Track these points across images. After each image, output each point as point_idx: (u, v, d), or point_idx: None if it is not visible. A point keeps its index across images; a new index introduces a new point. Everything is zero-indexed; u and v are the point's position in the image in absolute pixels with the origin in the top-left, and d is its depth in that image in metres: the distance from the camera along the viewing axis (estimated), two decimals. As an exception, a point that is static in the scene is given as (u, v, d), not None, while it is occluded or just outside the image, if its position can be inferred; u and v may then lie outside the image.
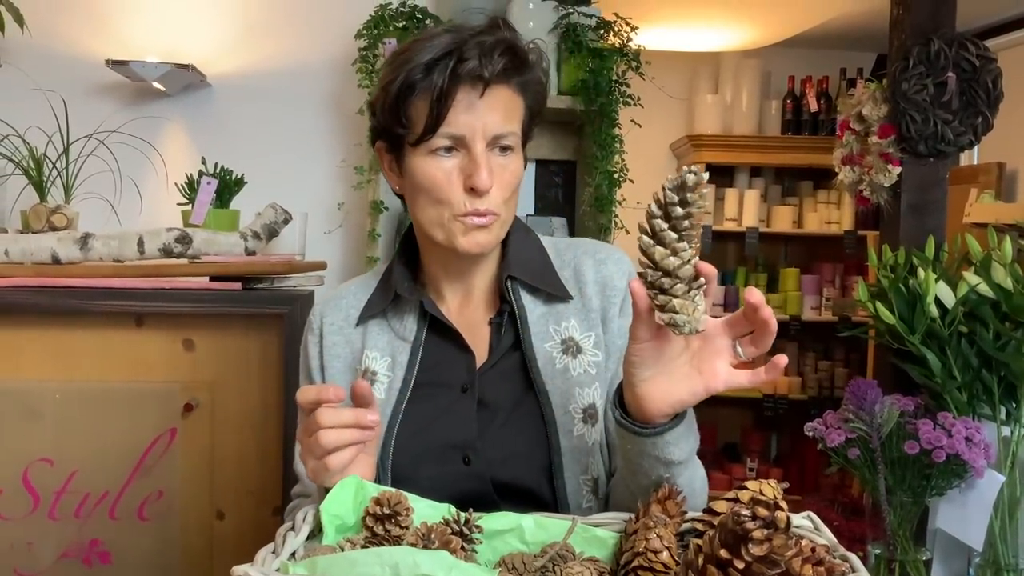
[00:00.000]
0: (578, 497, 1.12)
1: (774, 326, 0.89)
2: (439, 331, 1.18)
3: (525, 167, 1.18)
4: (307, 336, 1.25)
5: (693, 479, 1.03)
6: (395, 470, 1.12)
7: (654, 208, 0.84)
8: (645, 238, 0.85)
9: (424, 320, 1.18)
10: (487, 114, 1.07)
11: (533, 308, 1.17)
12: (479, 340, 1.17)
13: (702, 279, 0.86)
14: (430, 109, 1.05)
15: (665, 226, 0.84)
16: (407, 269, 1.21)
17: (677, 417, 0.96)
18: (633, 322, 0.91)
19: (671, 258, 0.84)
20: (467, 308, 1.20)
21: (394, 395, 1.15)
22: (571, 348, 1.16)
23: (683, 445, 0.98)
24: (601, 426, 1.14)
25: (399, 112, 1.08)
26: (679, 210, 0.83)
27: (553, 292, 1.18)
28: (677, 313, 0.85)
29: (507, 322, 1.17)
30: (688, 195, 0.83)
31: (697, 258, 0.86)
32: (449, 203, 1.08)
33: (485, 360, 1.16)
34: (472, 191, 1.07)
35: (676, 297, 0.85)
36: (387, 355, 1.18)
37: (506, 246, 1.20)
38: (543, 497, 1.12)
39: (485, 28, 1.09)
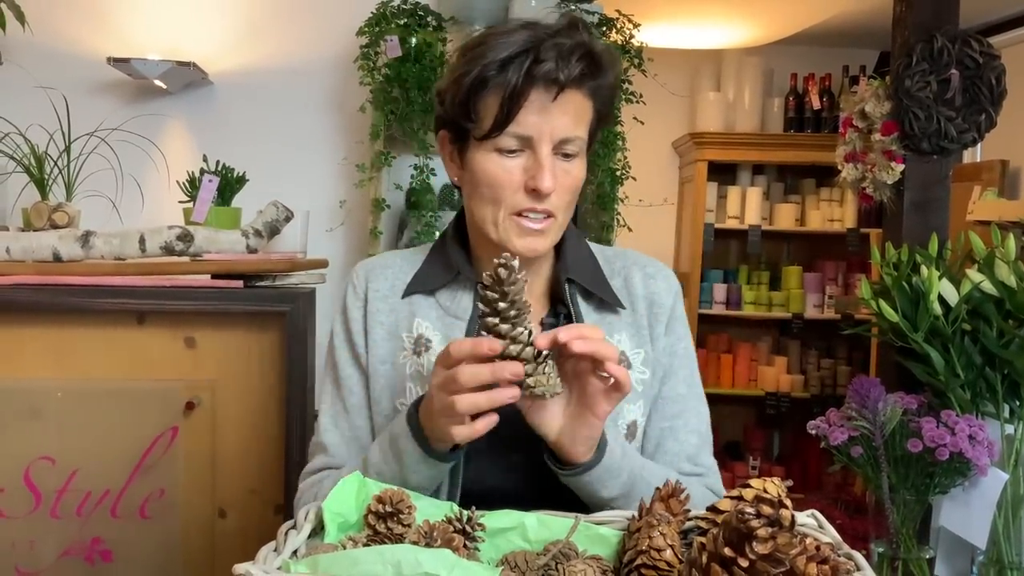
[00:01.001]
0: None
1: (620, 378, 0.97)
2: None
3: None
4: (347, 298, 1.22)
5: None
6: None
7: (484, 308, 0.92)
8: (486, 335, 0.93)
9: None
10: (557, 117, 1.05)
11: (588, 314, 1.17)
12: None
13: (545, 353, 0.94)
14: (500, 106, 1.04)
15: (497, 320, 0.91)
16: (461, 249, 1.19)
17: (597, 456, 1.02)
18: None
19: (512, 346, 0.92)
20: None
21: None
22: (623, 362, 1.15)
23: (609, 484, 1.03)
24: (639, 444, 1.16)
25: (469, 106, 1.07)
26: (502, 304, 0.91)
27: (608, 299, 1.17)
28: (534, 387, 0.94)
29: (563, 323, 1.16)
30: (506, 288, 0.90)
31: (534, 334, 0.93)
32: (507, 202, 1.07)
33: None
34: (533, 192, 1.06)
35: (529, 376, 0.93)
36: (438, 330, 1.16)
37: (561, 247, 1.19)
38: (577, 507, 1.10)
39: (563, 28, 1.07)
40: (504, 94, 1.03)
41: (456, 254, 1.18)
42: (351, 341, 1.20)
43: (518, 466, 1.10)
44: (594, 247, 1.25)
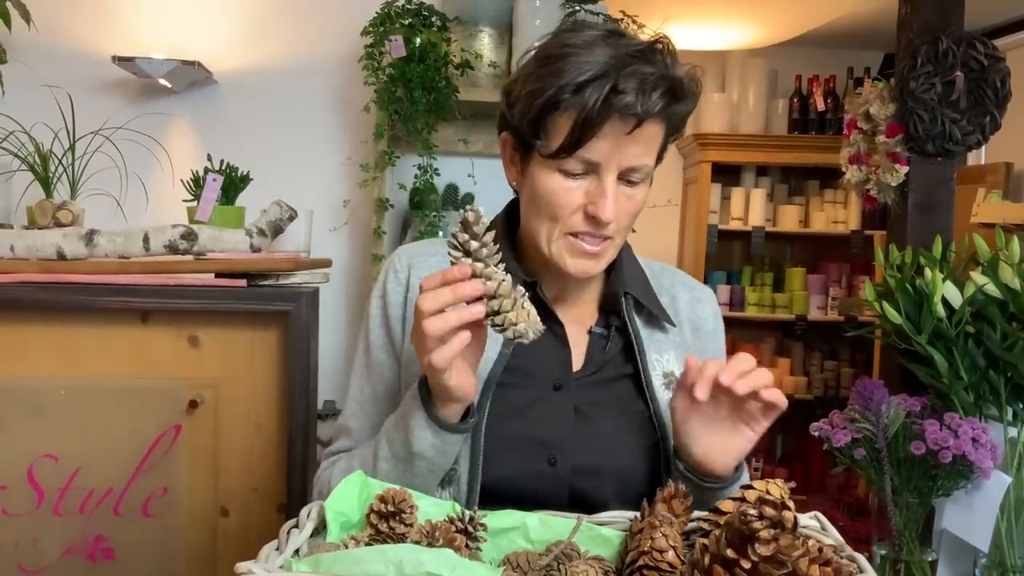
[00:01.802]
0: None
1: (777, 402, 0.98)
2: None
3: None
4: (388, 282, 1.19)
5: None
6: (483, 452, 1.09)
7: (455, 252, 0.93)
8: (457, 252, 0.94)
9: None
10: (629, 146, 1.02)
11: (640, 328, 1.16)
12: (574, 343, 1.15)
13: (521, 288, 0.95)
14: (572, 131, 1.00)
15: (469, 260, 0.93)
16: (508, 248, 1.16)
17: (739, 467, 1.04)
18: (674, 396, 1.00)
19: (488, 283, 0.93)
20: (562, 307, 1.17)
21: (486, 369, 1.09)
22: (671, 383, 1.15)
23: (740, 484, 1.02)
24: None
25: (539, 124, 1.03)
26: (474, 243, 0.92)
27: (660, 316, 1.17)
28: (516, 324, 0.93)
29: (614, 336, 1.15)
30: (475, 228, 0.92)
31: (500, 267, 0.94)
32: (564, 222, 1.05)
33: (582, 366, 1.14)
34: (592, 218, 1.04)
35: (509, 311, 0.93)
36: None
37: (616, 259, 1.16)
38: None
39: (646, 51, 1.02)
40: (578, 119, 0.99)
41: (505, 250, 1.14)
42: (388, 327, 1.18)
43: (551, 472, 1.09)
44: (640, 260, 1.24)
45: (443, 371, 0.94)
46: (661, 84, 1.00)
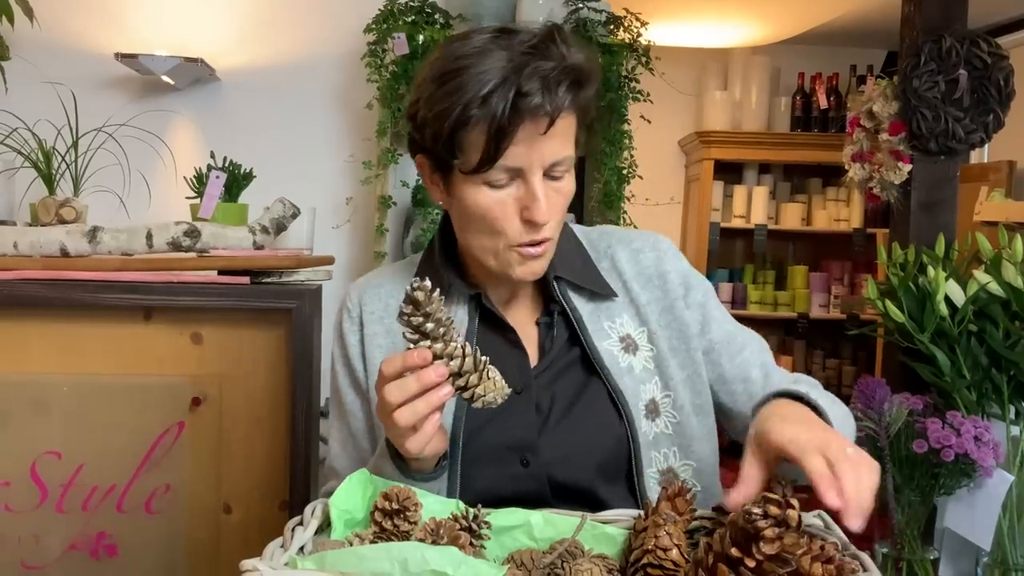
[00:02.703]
0: (651, 492, 1.10)
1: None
2: (490, 327, 1.15)
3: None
4: (343, 323, 1.20)
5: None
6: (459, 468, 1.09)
7: (410, 334, 0.91)
8: (412, 334, 0.92)
9: (475, 313, 1.15)
10: (546, 144, 1.01)
11: (582, 306, 1.15)
12: (527, 341, 1.15)
13: (484, 357, 0.94)
14: (487, 143, 0.98)
15: (428, 343, 0.91)
16: (449, 262, 1.16)
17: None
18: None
19: (452, 362, 0.91)
20: (511, 308, 1.17)
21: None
22: (630, 346, 1.14)
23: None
24: (663, 420, 1.13)
25: (452, 144, 1.01)
26: (429, 325, 0.90)
27: (599, 291, 1.16)
28: (484, 395, 0.93)
29: (558, 321, 1.15)
30: (428, 309, 0.90)
31: (457, 339, 0.93)
32: (505, 234, 1.04)
33: (538, 361, 1.14)
34: (529, 222, 1.03)
35: (476, 385, 0.93)
36: None
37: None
38: (599, 496, 1.09)
39: (541, 43, 0.99)
40: (490, 131, 0.97)
41: (446, 268, 1.15)
42: (350, 366, 1.19)
43: (523, 472, 1.09)
44: (578, 230, 1.23)
45: (424, 448, 0.95)
46: (564, 77, 0.99)
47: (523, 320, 1.17)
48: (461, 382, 0.92)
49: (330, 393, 1.23)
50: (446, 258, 1.16)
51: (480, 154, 0.99)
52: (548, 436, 1.10)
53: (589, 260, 1.19)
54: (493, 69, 0.97)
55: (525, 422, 1.10)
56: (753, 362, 1.20)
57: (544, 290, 1.17)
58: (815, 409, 0.98)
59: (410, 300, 0.89)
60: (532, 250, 1.05)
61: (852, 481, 0.82)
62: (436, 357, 0.91)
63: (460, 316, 1.15)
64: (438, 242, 1.18)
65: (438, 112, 1.00)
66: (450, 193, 1.07)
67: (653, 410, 1.13)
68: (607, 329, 1.15)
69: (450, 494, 1.07)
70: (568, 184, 1.07)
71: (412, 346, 0.91)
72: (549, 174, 1.03)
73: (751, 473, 0.89)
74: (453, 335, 0.92)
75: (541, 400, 1.12)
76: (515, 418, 1.10)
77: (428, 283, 0.90)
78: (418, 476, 1.02)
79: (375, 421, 1.15)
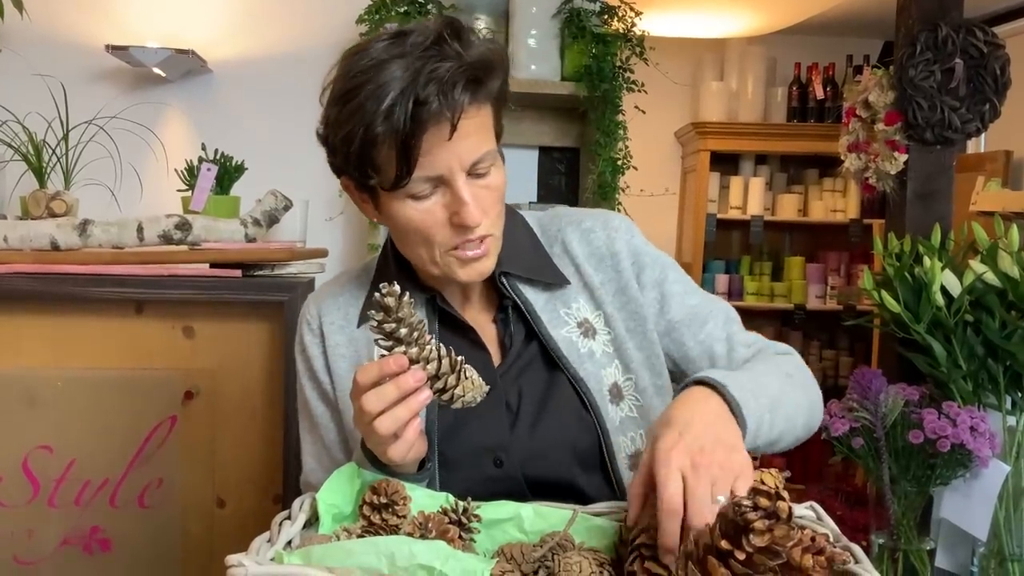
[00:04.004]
0: (625, 478, 1.09)
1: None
2: (450, 328, 1.13)
3: (504, 161, 1.10)
4: (304, 336, 1.18)
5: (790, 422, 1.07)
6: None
7: (384, 341, 0.89)
8: (386, 342, 0.90)
9: (434, 316, 1.14)
10: (460, 145, 0.98)
11: (536, 297, 1.13)
12: (488, 339, 1.14)
13: (460, 357, 0.93)
14: (398, 159, 0.96)
15: (403, 348, 0.89)
16: (402, 267, 1.14)
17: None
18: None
19: (429, 365, 0.90)
20: (468, 308, 1.16)
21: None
22: (588, 330, 1.13)
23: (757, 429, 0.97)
24: (627, 404, 1.12)
25: (365, 164, 0.99)
26: (403, 330, 0.89)
27: (548, 280, 1.14)
28: (464, 396, 0.92)
29: (513, 316, 1.14)
30: (400, 315, 0.88)
31: (430, 342, 0.91)
32: (439, 241, 1.02)
33: (501, 360, 1.13)
34: (461, 227, 1.01)
35: (455, 386, 0.92)
36: None
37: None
38: (578, 487, 1.08)
39: (434, 46, 0.96)
40: (397, 146, 0.95)
41: (399, 275, 1.13)
42: (316, 379, 1.17)
43: (498, 473, 1.08)
44: (529, 217, 1.21)
45: (406, 455, 0.94)
46: (459, 76, 0.95)
47: (481, 319, 1.16)
48: (439, 384, 0.91)
49: (299, 408, 1.21)
50: (398, 264, 1.14)
51: (394, 170, 0.97)
52: (520, 434, 1.09)
53: (540, 247, 1.17)
54: (391, 81, 0.94)
55: (496, 422, 1.09)
56: (717, 336, 1.17)
57: (497, 287, 1.14)
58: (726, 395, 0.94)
59: (381, 307, 0.87)
60: (471, 252, 1.03)
61: (670, 495, 0.80)
62: (412, 362, 0.89)
63: (420, 317, 1.13)
64: (390, 249, 1.16)
65: (344, 135, 0.98)
66: (380, 211, 1.06)
67: (616, 394, 1.12)
68: (564, 316, 1.13)
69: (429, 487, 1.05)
70: (496, 177, 1.04)
71: (386, 353, 0.90)
72: (473, 173, 1.01)
73: (635, 492, 0.86)
74: (426, 337, 0.91)
75: (510, 398, 1.11)
76: (486, 419, 1.09)
77: (397, 288, 0.88)
78: (400, 478, 0.99)
79: (347, 432, 1.15)
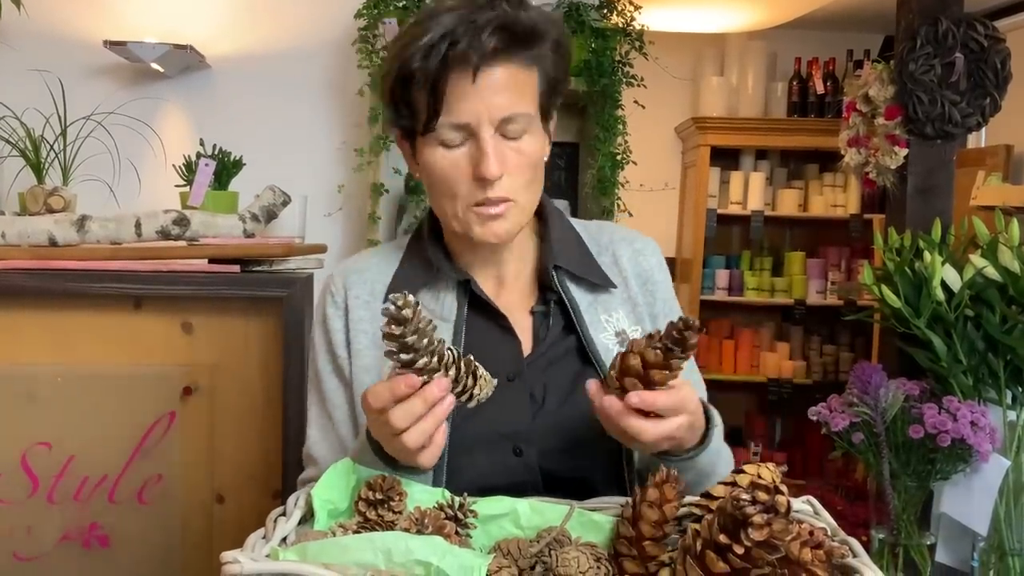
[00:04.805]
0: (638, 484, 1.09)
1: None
2: (480, 313, 1.13)
3: (550, 139, 1.13)
4: (327, 308, 1.17)
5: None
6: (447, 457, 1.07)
7: (395, 349, 0.87)
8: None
9: (464, 299, 1.13)
10: (491, 97, 1.01)
11: (581, 297, 1.14)
12: (520, 329, 1.13)
13: (469, 356, 0.92)
14: (428, 98, 1.01)
15: (413, 356, 0.87)
16: (440, 246, 1.16)
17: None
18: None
19: (450, 372, 0.89)
20: (501, 295, 1.16)
21: None
22: (624, 341, 1.11)
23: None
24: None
25: (399, 102, 1.04)
26: (413, 338, 0.86)
27: (598, 281, 1.15)
28: (480, 393, 0.92)
29: (555, 310, 1.14)
30: (411, 324, 0.86)
31: (443, 346, 0.90)
32: (462, 195, 1.04)
33: (531, 350, 1.13)
34: (481, 180, 1.02)
35: (472, 387, 0.92)
36: None
37: (545, 232, 1.16)
38: (595, 487, 1.07)
39: (486, 5, 1.02)
40: (427, 84, 1.00)
41: (435, 252, 1.14)
42: (333, 353, 1.16)
43: (516, 462, 1.08)
44: (576, 224, 1.22)
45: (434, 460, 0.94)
46: (490, 25, 0.99)
47: (515, 308, 1.15)
48: (458, 388, 0.90)
49: (309, 378, 1.21)
50: (435, 242, 1.16)
51: (425, 112, 1.01)
52: (543, 425, 1.08)
53: (588, 252, 1.18)
54: (436, 27, 0.99)
55: (519, 410, 1.09)
56: None
57: (539, 279, 1.15)
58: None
59: (397, 320, 0.85)
60: (489, 209, 1.04)
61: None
62: (432, 371, 0.88)
63: (449, 302, 1.13)
64: (427, 225, 1.17)
65: (386, 73, 1.05)
66: (417, 160, 1.09)
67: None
68: (603, 322, 1.13)
69: (436, 484, 1.04)
70: (529, 145, 1.06)
71: (399, 365, 0.88)
72: (503, 132, 1.03)
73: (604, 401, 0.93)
74: (436, 340, 0.89)
75: (534, 389, 1.10)
76: (508, 406, 1.08)
77: (411, 297, 0.86)
78: (404, 470, 0.98)
79: (357, 410, 1.13)
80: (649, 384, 0.88)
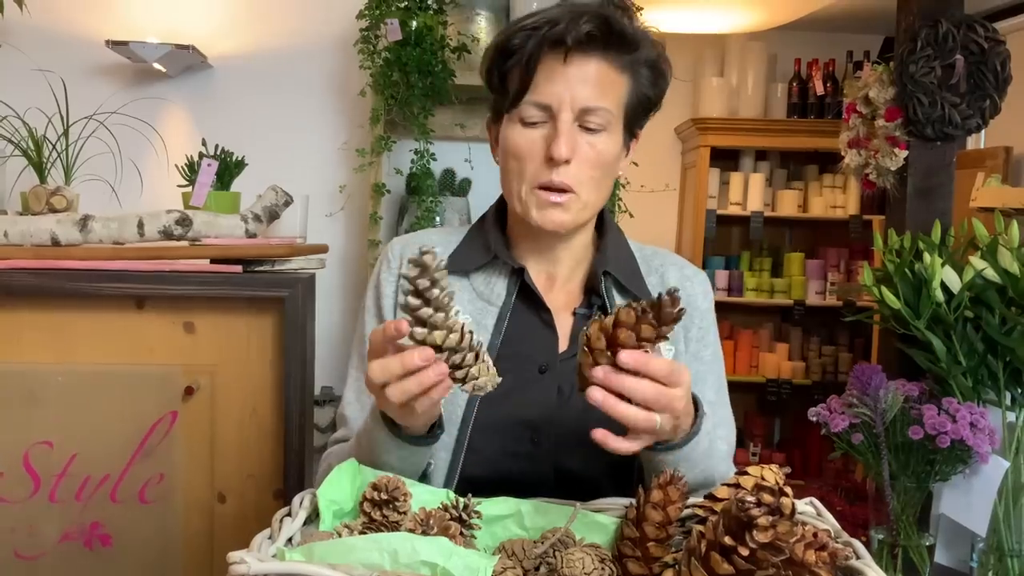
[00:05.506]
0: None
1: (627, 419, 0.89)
2: (526, 304, 1.16)
3: (628, 154, 1.17)
4: (381, 274, 1.21)
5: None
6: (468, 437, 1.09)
7: (412, 298, 0.84)
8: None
9: (515, 288, 1.16)
10: (576, 85, 1.05)
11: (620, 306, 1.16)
12: (560, 326, 1.16)
13: (480, 341, 0.90)
14: (520, 73, 1.06)
15: (431, 311, 0.84)
16: (501, 233, 1.19)
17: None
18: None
19: (452, 335, 0.86)
20: (550, 292, 1.18)
21: None
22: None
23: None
24: None
25: (495, 76, 1.11)
26: (435, 291, 0.84)
27: (642, 296, 1.16)
28: (477, 379, 0.89)
29: (597, 316, 1.15)
30: (435, 274, 0.84)
31: (464, 319, 0.91)
32: (529, 174, 1.08)
33: (566, 348, 1.14)
34: (550, 160, 1.06)
35: (472, 365, 0.88)
36: (468, 314, 1.15)
37: (602, 241, 1.19)
38: (604, 490, 1.08)
39: (600, 3, 1.08)
40: (522, 60, 1.05)
41: (495, 237, 1.17)
42: (380, 317, 1.19)
43: (531, 451, 1.09)
44: (633, 245, 1.25)
45: (424, 417, 0.94)
46: (589, 14, 1.04)
47: (559, 306, 1.18)
48: (456, 358, 0.87)
49: (354, 342, 1.23)
50: (498, 228, 1.19)
51: (516, 86, 1.07)
52: (564, 420, 1.10)
53: (638, 270, 1.21)
54: (546, 14, 1.06)
55: (543, 401, 1.11)
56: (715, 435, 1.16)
57: (588, 284, 1.18)
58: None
59: (417, 264, 0.83)
60: (551, 196, 1.07)
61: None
62: (435, 328, 0.85)
63: (499, 288, 1.16)
64: (492, 211, 1.21)
65: (489, 48, 1.11)
66: (498, 141, 1.13)
67: None
68: None
69: (454, 460, 1.07)
70: (605, 143, 1.08)
71: (409, 316, 0.86)
72: (582, 123, 1.06)
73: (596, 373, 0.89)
74: (454, 309, 0.87)
75: (563, 384, 1.12)
76: (535, 396, 1.11)
77: (438, 249, 0.86)
78: (412, 440, 0.99)
79: None
80: (614, 343, 0.85)
